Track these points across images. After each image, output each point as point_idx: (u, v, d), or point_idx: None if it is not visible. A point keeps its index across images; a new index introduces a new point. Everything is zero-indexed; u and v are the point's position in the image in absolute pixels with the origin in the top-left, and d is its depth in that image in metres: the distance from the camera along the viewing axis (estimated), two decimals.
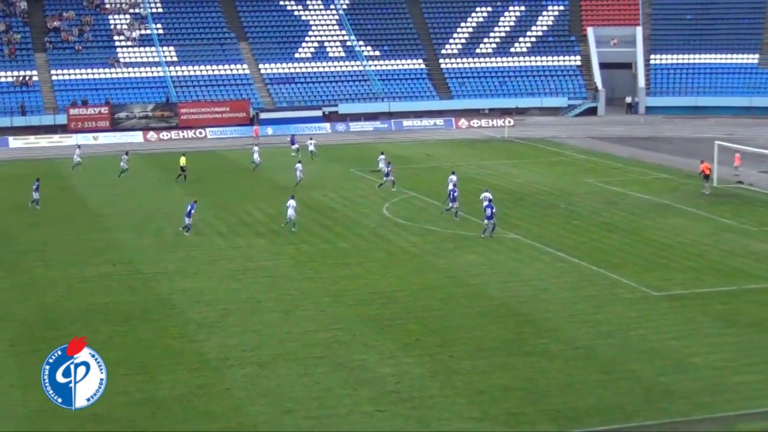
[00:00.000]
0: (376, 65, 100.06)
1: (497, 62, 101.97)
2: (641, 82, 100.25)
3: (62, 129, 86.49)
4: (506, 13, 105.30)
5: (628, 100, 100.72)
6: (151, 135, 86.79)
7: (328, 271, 41.38)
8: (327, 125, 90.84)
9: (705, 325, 34.12)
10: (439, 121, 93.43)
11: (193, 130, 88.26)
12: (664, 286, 38.56)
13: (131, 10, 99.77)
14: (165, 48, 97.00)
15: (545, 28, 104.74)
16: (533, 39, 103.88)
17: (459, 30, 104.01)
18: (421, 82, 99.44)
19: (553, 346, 31.92)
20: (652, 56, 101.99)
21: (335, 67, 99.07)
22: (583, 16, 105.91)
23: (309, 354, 31.33)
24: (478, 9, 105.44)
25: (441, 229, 48.80)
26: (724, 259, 42.63)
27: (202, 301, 37.39)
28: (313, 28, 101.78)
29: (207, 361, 31.03)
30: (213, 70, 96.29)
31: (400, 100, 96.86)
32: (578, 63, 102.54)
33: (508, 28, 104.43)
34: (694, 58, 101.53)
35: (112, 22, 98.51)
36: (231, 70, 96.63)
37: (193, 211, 48.34)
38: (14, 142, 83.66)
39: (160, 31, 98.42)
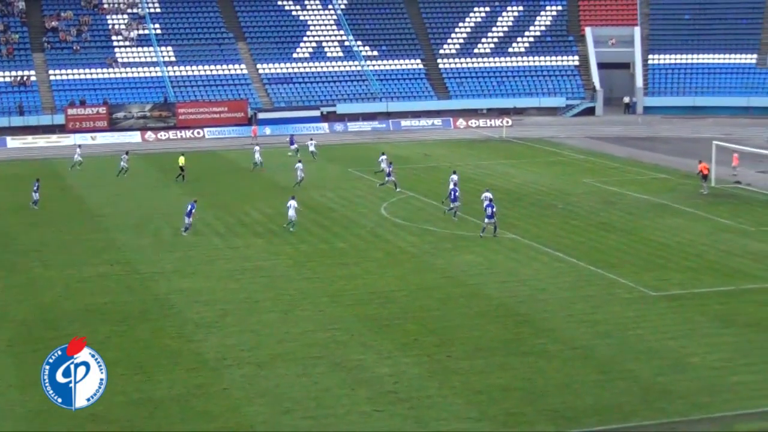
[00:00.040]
0: (374, 65, 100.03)
1: (495, 62, 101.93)
2: (639, 82, 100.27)
3: (60, 129, 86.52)
4: (504, 13, 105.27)
5: (626, 100, 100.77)
6: (149, 135, 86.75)
7: (326, 271, 41.38)
8: (325, 125, 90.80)
9: (703, 325, 34.12)
10: (437, 121, 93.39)
11: (191, 130, 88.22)
12: (662, 286, 38.56)
13: (129, 10, 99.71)
14: (163, 48, 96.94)
15: (543, 28, 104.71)
16: (531, 39, 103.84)
17: (457, 30, 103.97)
18: (419, 82, 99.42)
19: (551, 346, 31.93)
20: (650, 56, 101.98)
21: (333, 67, 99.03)
22: (581, 16, 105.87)
23: (307, 354, 31.33)
24: (476, 9, 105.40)
25: (439, 229, 48.80)
26: (722, 259, 42.64)
27: (200, 301, 37.39)
28: (311, 28, 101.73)
29: (205, 361, 31.02)
30: (211, 70, 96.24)
31: (398, 100, 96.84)
32: (576, 63, 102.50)
33: (506, 28, 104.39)
34: (692, 58, 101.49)
35: (110, 22, 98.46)
36: (229, 70, 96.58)
37: (194, 211, 48.38)
38: (12, 142, 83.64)
39: (158, 31, 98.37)
